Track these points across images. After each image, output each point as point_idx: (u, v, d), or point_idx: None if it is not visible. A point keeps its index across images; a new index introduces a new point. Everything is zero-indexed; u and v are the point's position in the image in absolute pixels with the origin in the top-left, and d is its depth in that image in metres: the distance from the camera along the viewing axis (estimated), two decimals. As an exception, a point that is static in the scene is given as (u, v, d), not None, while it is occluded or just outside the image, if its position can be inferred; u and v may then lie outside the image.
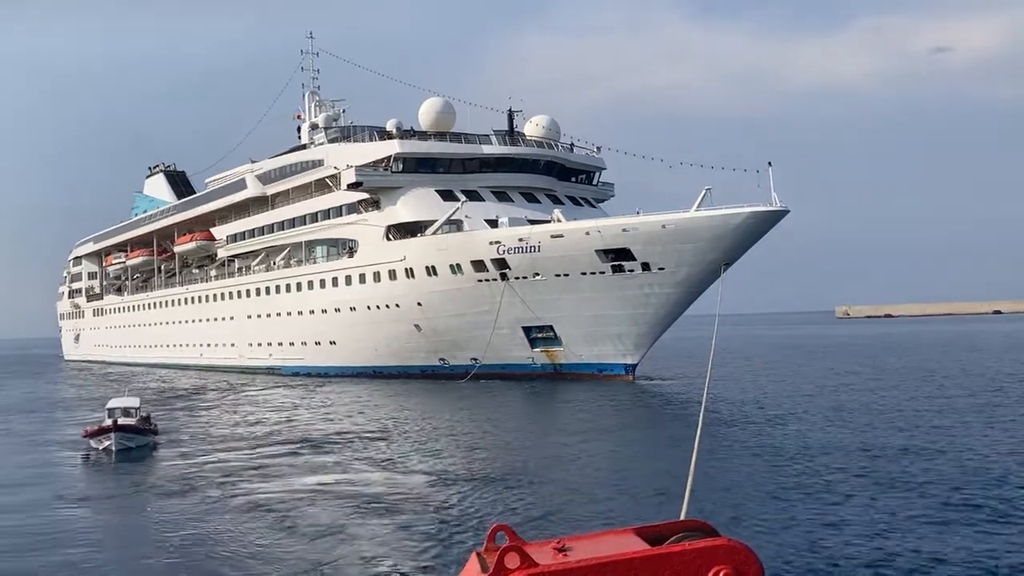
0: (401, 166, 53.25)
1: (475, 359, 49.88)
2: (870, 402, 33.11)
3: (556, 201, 54.34)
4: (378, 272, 52.98)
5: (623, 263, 43.82)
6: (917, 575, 12.20)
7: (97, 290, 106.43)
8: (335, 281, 57.07)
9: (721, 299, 37.75)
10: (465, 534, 14.95)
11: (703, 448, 20.81)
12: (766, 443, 24.04)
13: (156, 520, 17.28)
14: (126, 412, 27.16)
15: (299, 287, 60.98)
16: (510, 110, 56.96)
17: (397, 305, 51.96)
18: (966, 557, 12.77)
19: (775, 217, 41.35)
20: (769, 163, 40.71)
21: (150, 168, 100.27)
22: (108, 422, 25.84)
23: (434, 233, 50.00)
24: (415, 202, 52.51)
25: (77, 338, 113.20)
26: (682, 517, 7.12)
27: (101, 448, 25.52)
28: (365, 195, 54.93)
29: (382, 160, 53.85)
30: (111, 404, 28.12)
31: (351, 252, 56.21)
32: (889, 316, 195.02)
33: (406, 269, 51.00)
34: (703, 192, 42.31)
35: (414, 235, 51.39)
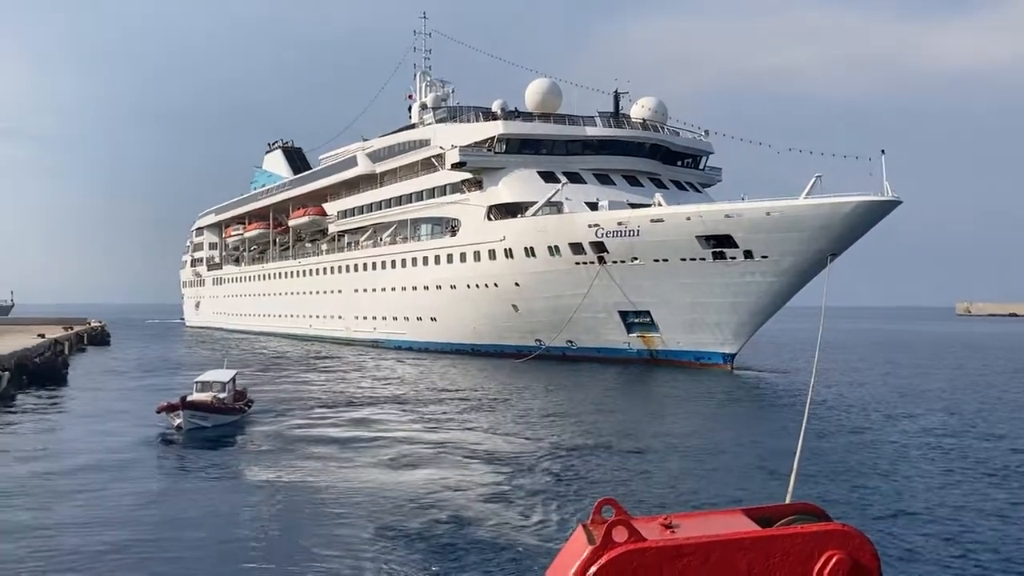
0: (504, 147, 53.55)
1: (570, 341, 49.97)
2: (985, 398, 31.84)
3: (660, 185, 53.50)
4: (478, 251, 53.56)
5: (724, 250, 42.89)
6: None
7: (217, 260, 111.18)
8: (437, 259, 57.98)
9: (828, 290, 36.50)
10: (564, 501, 15.26)
11: (809, 435, 20.39)
12: (873, 433, 23.65)
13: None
14: (220, 386, 25.73)
15: (403, 263, 62.27)
16: (616, 92, 56.35)
17: (496, 284, 52.42)
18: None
19: (886, 207, 39.62)
20: (882, 151, 38.84)
21: (269, 144, 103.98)
22: (178, 399, 24.05)
23: (534, 215, 50.14)
24: (516, 183, 52.75)
25: (198, 305, 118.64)
26: (787, 500, 6.87)
27: (174, 425, 23.82)
28: (468, 175, 55.50)
29: (486, 140, 54.27)
30: (201, 377, 26.79)
31: (454, 231, 56.97)
32: (1014, 315, 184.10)
33: (505, 249, 51.36)
34: (813, 179, 40.91)
35: (514, 216, 51.68)
